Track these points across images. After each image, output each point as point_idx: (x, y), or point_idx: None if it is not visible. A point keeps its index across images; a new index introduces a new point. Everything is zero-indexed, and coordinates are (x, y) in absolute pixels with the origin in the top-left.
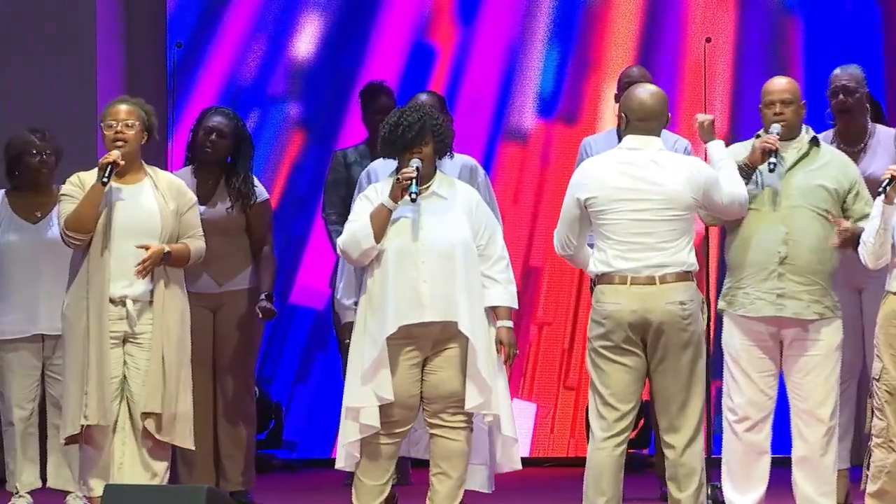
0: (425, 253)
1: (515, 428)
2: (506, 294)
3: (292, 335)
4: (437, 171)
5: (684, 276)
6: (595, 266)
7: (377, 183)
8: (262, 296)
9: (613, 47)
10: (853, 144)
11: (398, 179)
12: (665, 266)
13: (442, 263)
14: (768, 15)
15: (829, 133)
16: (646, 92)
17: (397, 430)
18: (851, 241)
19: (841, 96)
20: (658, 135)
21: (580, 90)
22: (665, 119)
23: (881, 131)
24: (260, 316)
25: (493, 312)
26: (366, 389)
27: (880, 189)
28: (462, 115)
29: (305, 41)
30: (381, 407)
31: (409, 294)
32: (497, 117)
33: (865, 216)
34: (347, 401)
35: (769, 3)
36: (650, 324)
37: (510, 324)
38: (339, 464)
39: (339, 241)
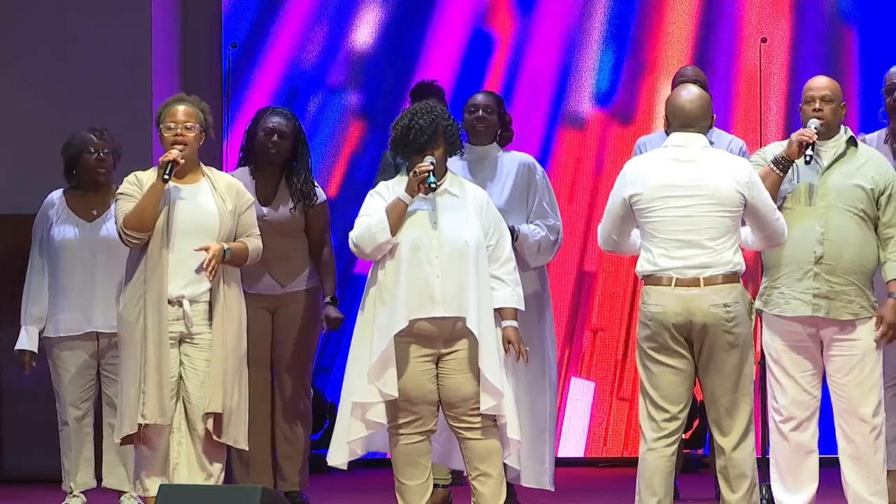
0: (439, 248)
1: (519, 429)
2: (514, 296)
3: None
4: (448, 171)
5: (729, 277)
6: (641, 266)
7: (388, 181)
8: (327, 299)
9: (668, 47)
10: None
11: (415, 173)
12: (710, 266)
13: (455, 259)
14: (823, 17)
15: (883, 132)
16: (688, 95)
17: (423, 429)
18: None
19: None
20: (704, 133)
21: (635, 90)
22: (709, 120)
23: None
24: (325, 327)
25: (498, 313)
26: (371, 385)
27: None
28: (520, 104)
29: (365, 30)
30: (401, 404)
31: (422, 288)
32: (554, 109)
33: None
34: (352, 396)
35: (824, 5)
36: (694, 326)
37: (516, 324)
38: (339, 460)
39: (353, 235)
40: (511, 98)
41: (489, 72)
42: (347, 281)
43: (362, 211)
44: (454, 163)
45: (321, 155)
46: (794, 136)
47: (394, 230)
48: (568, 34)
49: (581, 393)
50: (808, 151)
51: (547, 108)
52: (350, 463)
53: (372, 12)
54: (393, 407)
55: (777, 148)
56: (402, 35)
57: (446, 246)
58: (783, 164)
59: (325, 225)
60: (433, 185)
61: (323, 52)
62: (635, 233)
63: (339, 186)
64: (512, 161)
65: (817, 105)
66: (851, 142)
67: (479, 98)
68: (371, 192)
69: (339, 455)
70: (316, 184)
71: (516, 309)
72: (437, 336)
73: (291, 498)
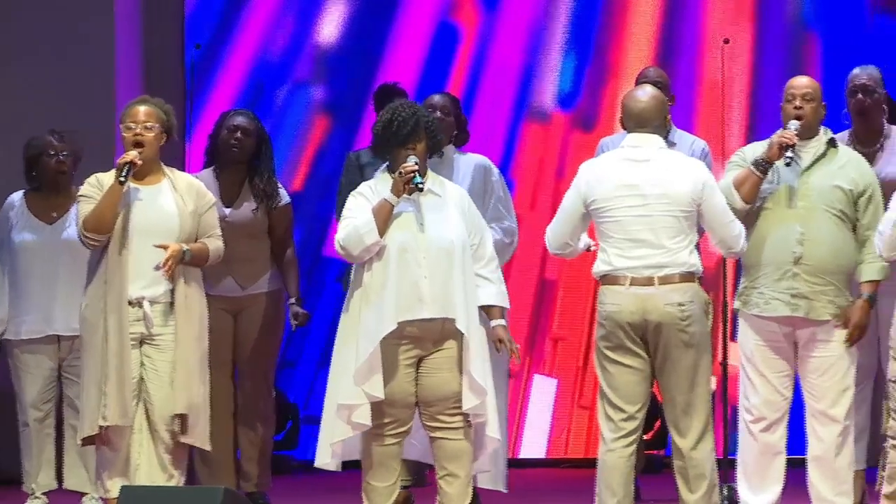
0: (427, 249)
1: (499, 429)
2: (500, 294)
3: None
4: (429, 169)
5: (685, 276)
6: (598, 266)
7: (369, 181)
8: (292, 300)
9: (631, 49)
10: (869, 145)
11: (400, 173)
12: (664, 266)
13: (442, 260)
14: (786, 20)
15: (845, 134)
16: (642, 95)
17: (400, 430)
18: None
19: (860, 95)
20: (660, 134)
21: (598, 95)
22: (663, 120)
23: None
24: (294, 323)
25: (485, 312)
26: (356, 387)
27: None
28: (485, 100)
29: (330, 25)
30: (379, 407)
31: (410, 290)
32: (518, 107)
33: (876, 222)
34: (337, 397)
35: (787, 8)
36: (649, 325)
37: (505, 322)
38: (324, 461)
39: (339, 237)
40: (475, 93)
41: (454, 66)
42: (311, 281)
43: (345, 213)
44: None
45: (287, 149)
46: (774, 137)
47: (381, 231)
48: (531, 33)
49: (544, 391)
50: (789, 153)
51: (511, 106)
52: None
53: (337, 6)
54: (373, 408)
55: (757, 148)
56: (367, 29)
57: (433, 246)
58: (763, 166)
59: (288, 226)
60: (420, 186)
61: (288, 46)
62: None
63: (305, 180)
64: (468, 163)
65: (798, 103)
66: (832, 143)
67: (436, 99)
68: (353, 192)
69: (324, 456)
70: (279, 184)
71: (503, 308)
72: (425, 337)
73: (254, 499)
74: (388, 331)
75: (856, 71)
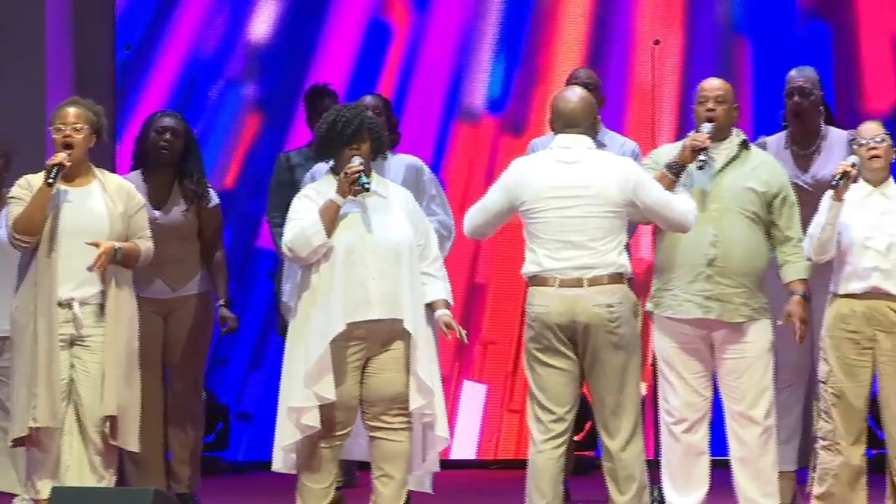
0: (374, 250)
1: (447, 427)
2: (445, 290)
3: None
4: (373, 171)
5: (614, 278)
6: (527, 268)
7: (315, 183)
8: (221, 302)
9: (562, 50)
10: (806, 147)
11: (346, 174)
12: (593, 267)
13: (389, 261)
14: (716, 22)
15: (783, 135)
16: (571, 96)
17: (339, 433)
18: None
19: (796, 98)
20: (589, 135)
21: (528, 100)
22: (592, 121)
23: (834, 133)
24: (226, 327)
25: (430, 307)
26: (308, 390)
27: (833, 183)
28: (416, 99)
29: (262, 21)
30: (322, 409)
31: (357, 291)
32: (449, 108)
33: (789, 232)
34: (287, 401)
35: (717, 10)
36: (578, 326)
37: (448, 311)
38: (277, 465)
39: (286, 240)
40: (406, 94)
41: (386, 65)
42: (241, 283)
43: (291, 215)
44: None
45: (219, 146)
46: (686, 141)
47: (328, 232)
48: (462, 34)
49: (473, 397)
50: (701, 156)
51: (441, 108)
52: (243, 464)
53: (269, 4)
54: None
55: (669, 150)
56: (298, 26)
57: (380, 247)
58: (676, 169)
59: (218, 228)
60: (367, 186)
61: (220, 45)
62: None
63: (237, 178)
64: (399, 164)
65: (710, 105)
66: (744, 144)
67: (368, 100)
68: (298, 195)
69: (278, 460)
70: (209, 186)
71: (448, 303)
72: (373, 338)
73: (184, 500)
74: (337, 332)
75: (793, 73)
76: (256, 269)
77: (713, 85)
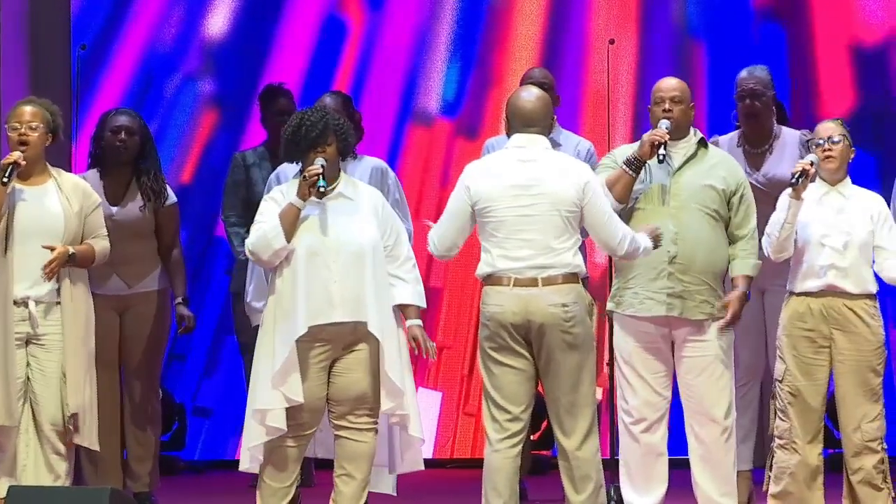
0: (336, 252)
1: (422, 427)
2: (415, 293)
3: (200, 323)
4: (342, 172)
5: (568, 277)
6: (481, 268)
7: (282, 185)
8: (178, 300)
9: (517, 50)
10: (759, 146)
11: (305, 177)
12: (548, 267)
13: (352, 263)
14: (670, 23)
15: (735, 134)
16: (527, 95)
17: (303, 433)
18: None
19: (748, 101)
20: (545, 135)
21: (482, 101)
22: (549, 120)
23: (786, 133)
24: (183, 325)
25: (401, 312)
26: (275, 391)
27: (792, 182)
28: (370, 98)
29: (218, 17)
30: (288, 410)
31: (320, 294)
32: (404, 109)
33: (745, 228)
34: (254, 403)
35: (671, 14)
36: (532, 325)
37: (420, 322)
38: (244, 465)
39: (248, 242)
40: (361, 94)
41: (341, 62)
42: (197, 280)
43: (257, 217)
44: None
45: (176, 142)
46: (645, 136)
47: (289, 236)
48: (417, 35)
49: (428, 405)
50: (661, 151)
51: (396, 110)
52: (199, 464)
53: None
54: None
55: (626, 150)
56: (254, 22)
57: (343, 250)
58: (635, 164)
59: (175, 226)
60: (321, 189)
61: (177, 41)
62: None
63: (194, 174)
64: (364, 166)
65: (667, 106)
66: (702, 143)
67: (327, 100)
68: (266, 196)
69: (245, 461)
70: (167, 184)
71: (419, 307)
72: (337, 340)
73: (141, 499)
74: (300, 333)
75: (743, 74)
76: (213, 267)
77: (669, 85)
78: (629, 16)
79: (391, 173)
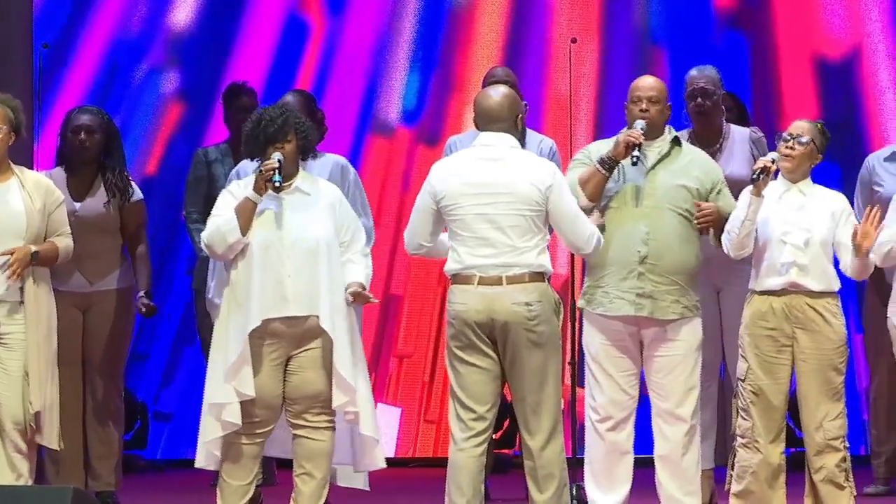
0: (290, 247)
1: (377, 428)
2: (363, 274)
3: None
4: (301, 169)
5: (534, 276)
6: (449, 265)
7: (241, 179)
8: (141, 293)
9: (479, 49)
10: (709, 145)
11: (261, 171)
12: (513, 266)
13: (306, 258)
14: (632, 28)
15: (685, 133)
16: (494, 94)
17: (260, 430)
18: (715, 221)
19: (699, 99)
20: (512, 133)
21: (442, 108)
22: (516, 119)
23: (736, 131)
24: (142, 311)
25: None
26: (228, 386)
27: (753, 177)
28: (332, 99)
29: (183, 11)
30: (243, 406)
31: (274, 288)
32: (364, 113)
33: (730, 213)
34: (209, 397)
35: (633, 19)
36: (496, 324)
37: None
38: (200, 463)
39: (204, 235)
40: (322, 97)
41: (303, 63)
42: (161, 277)
43: (214, 211)
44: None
45: (141, 134)
46: (620, 136)
47: (244, 230)
48: (378, 38)
49: (388, 421)
50: (635, 152)
51: (355, 119)
52: (161, 462)
53: None
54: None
55: (601, 146)
56: (219, 17)
57: (297, 245)
58: (609, 164)
59: (140, 222)
60: (277, 184)
61: (142, 32)
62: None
63: (159, 165)
64: (325, 163)
65: (644, 105)
66: (676, 142)
67: (290, 98)
68: (223, 191)
69: (201, 458)
70: (132, 180)
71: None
72: (291, 335)
73: (103, 498)
74: (253, 327)
75: (693, 73)
76: (176, 264)
77: (647, 84)
78: (591, 18)
79: (352, 170)
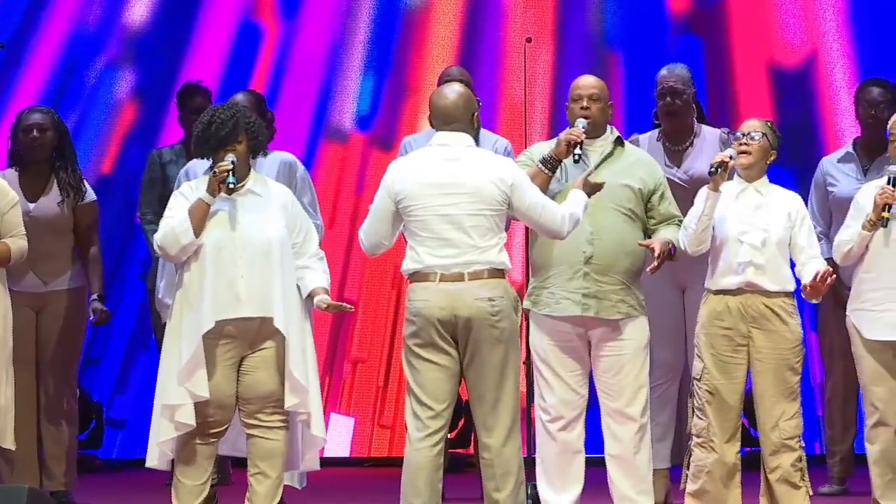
0: (243, 248)
1: (324, 427)
2: (325, 279)
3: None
4: (252, 170)
5: (494, 273)
6: (407, 265)
7: (191, 181)
8: (94, 296)
9: (433, 49)
10: (679, 143)
11: (215, 173)
12: (473, 263)
13: (260, 259)
14: (586, 31)
15: (655, 132)
16: (450, 92)
17: (214, 431)
18: (667, 255)
19: (669, 98)
20: (468, 132)
21: (397, 112)
22: (472, 117)
23: (706, 131)
24: (94, 318)
25: (310, 298)
26: (181, 387)
27: (710, 171)
28: (286, 103)
29: (139, 9)
30: (197, 406)
31: (227, 289)
32: (318, 119)
33: (671, 217)
34: (162, 398)
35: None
36: (459, 320)
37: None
38: (151, 462)
39: (157, 237)
40: (276, 101)
41: (257, 68)
42: (115, 279)
43: (166, 213)
44: (208, 164)
45: (97, 134)
46: (562, 135)
47: (197, 231)
48: (332, 42)
49: (340, 431)
50: (577, 150)
51: (309, 125)
52: (117, 462)
53: None
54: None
55: (543, 147)
56: (174, 18)
57: (250, 245)
58: (552, 163)
59: (93, 223)
60: (231, 185)
61: (97, 31)
62: None
63: (114, 165)
64: (272, 160)
65: (585, 104)
66: (619, 142)
67: (239, 97)
68: (175, 192)
69: (153, 457)
70: (85, 181)
71: (326, 289)
72: (244, 336)
73: (58, 498)
74: (206, 329)
75: (663, 72)
76: (131, 266)
77: (587, 83)
78: (546, 23)
79: (300, 167)
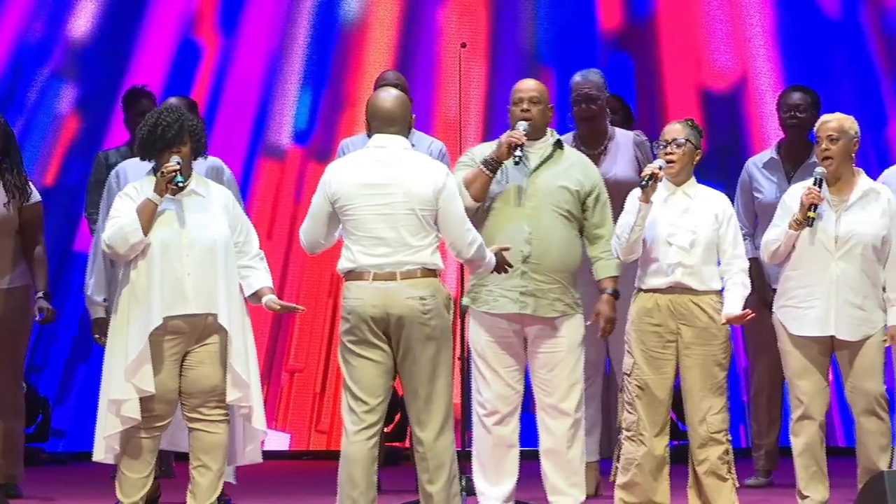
0: (189, 247)
1: (265, 420)
2: (268, 279)
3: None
4: (194, 171)
5: (427, 272)
6: (342, 264)
7: (135, 182)
8: (40, 294)
9: (371, 53)
10: (594, 147)
11: (162, 173)
12: (407, 263)
13: (205, 257)
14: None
15: (570, 136)
16: (387, 96)
17: (158, 424)
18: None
19: (584, 105)
20: (404, 135)
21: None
22: (408, 121)
23: (620, 135)
24: (40, 317)
25: (256, 297)
26: (127, 382)
27: (641, 184)
28: (224, 119)
29: (83, 21)
30: (142, 401)
31: (174, 286)
32: (255, 136)
33: (603, 223)
34: (108, 393)
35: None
36: (391, 318)
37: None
38: (98, 456)
39: (105, 237)
40: (214, 119)
41: (196, 85)
42: (59, 279)
43: (112, 213)
44: (138, 166)
45: (40, 145)
46: (503, 137)
47: (145, 230)
48: (270, 56)
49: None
50: (517, 152)
51: (247, 139)
52: (63, 455)
53: (88, 9)
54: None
55: (486, 149)
56: (117, 29)
57: (196, 244)
58: (492, 164)
59: (38, 224)
60: (180, 185)
61: (42, 41)
62: None
63: (56, 176)
64: (200, 166)
65: (525, 106)
66: (558, 144)
67: (173, 101)
68: (120, 193)
69: (100, 451)
70: (30, 182)
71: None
72: (190, 332)
73: (5, 490)
74: (155, 326)
75: (577, 78)
76: (75, 268)
77: (528, 86)
78: (479, 39)
79: (227, 170)
